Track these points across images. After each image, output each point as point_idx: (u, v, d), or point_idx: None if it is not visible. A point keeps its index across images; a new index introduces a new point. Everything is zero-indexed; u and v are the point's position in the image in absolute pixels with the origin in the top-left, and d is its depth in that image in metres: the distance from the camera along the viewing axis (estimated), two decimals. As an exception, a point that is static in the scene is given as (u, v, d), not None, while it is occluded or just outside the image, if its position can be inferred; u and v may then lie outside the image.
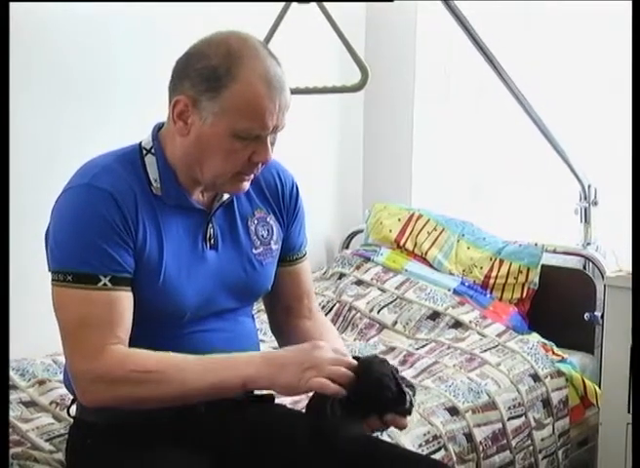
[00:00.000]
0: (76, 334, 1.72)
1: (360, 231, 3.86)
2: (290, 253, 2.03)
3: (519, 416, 2.76)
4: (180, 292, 1.80)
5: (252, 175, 1.83)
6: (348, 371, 1.65)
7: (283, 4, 2.79)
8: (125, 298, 1.74)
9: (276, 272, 2.00)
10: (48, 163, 2.87)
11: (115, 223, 1.72)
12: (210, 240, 1.86)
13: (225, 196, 1.89)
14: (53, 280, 1.75)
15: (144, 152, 1.83)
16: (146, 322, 1.79)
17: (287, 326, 2.07)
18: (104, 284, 1.71)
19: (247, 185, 1.84)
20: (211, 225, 1.87)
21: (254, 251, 1.92)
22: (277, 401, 2.04)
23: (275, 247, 1.97)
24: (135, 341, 1.77)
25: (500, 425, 2.68)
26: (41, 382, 2.56)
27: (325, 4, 2.70)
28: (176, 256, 1.80)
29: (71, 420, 2.00)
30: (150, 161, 1.82)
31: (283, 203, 1.99)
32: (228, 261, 1.89)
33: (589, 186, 3.33)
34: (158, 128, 1.87)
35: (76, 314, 1.72)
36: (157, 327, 1.81)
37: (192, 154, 1.78)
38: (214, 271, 1.86)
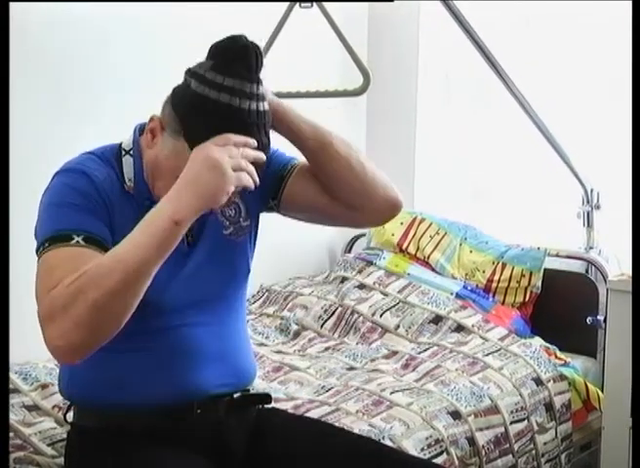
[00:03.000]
0: (40, 288, 1.66)
1: (362, 235, 3.86)
2: (283, 169, 2.00)
3: (522, 420, 2.76)
4: (155, 284, 1.78)
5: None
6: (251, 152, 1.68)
7: (285, 8, 2.79)
8: (96, 256, 1.67)
9: (287, 190, 1.99)
10: (40, 167, 2.88)
11: (92, 197, 1.73)
12: (187, 237, 1.86)
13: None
14: (37, 258, 1.71)
15: (123, 153, 1.86)
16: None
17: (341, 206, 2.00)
18: (77, 241, 1.68)
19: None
20: None
21: (224, 231, 1.93)
22: (278, 405, 2.04)
23: (245, 223, 1.97)
24: (117, 336, 1.77)
25: (502, 429, 2.68)
26: (44, 386, 2.57)
27: (327, 8, 2.70)
28: None
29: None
30: (127, 162, 1.84)
31: None
32: (204, 250, 1.89)
33: (592, 190, 3.33)
34: (140, 130, 1.88)
35: (45, 269, 1.67)
36: (140, 320, 1.78)
37: (149, 168, 1.82)
38: (189, 259, 1.86)
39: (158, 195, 1.74)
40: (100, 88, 3.07)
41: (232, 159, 1.64)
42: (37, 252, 1.72)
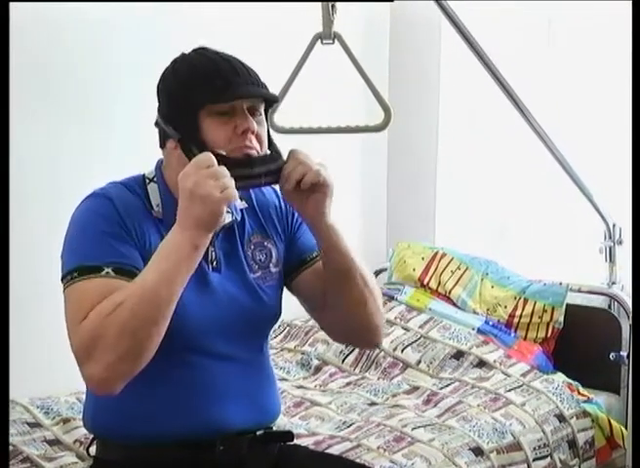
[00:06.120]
0: (71, 319, 1.69)
1: (384, 270, 3.85)
2: (308, 254, 2.00)
3: (544, 457, 2.74)
4: (182, 309, 1.77)
5: (252, 145, 1.81)
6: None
7: (307, 44, 2.81)
8: (125, 286, 1.69)
9: (300, 278, 1.99)
10: (50, 184, 2.92)
11: (117, 222, 1.75)
12: (212, 262, 1.87)
13: (227, 220, 1.87)
14: (63, 286, 1.73)
15: (147, 181, 1.88)
16: None
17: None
18: (107, 272, 1.70)
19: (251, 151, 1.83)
20: (212, 248, 1.87)
21: (252, 275, 1.92)
22: (299, 441, 2.03)
23: (275, 270, 1.96)
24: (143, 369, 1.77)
25: (524, 466, 2.66)
26: (65, 421, 2.57)
27: (348, 43, 2.71)
28: None
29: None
30: (153, 188, 1.87)
31: (278, 219, 2.00)
32: (231, 283, 1.88)
33: (614, 225, 3.32)
34: (161, 162, 1.91)
35: (75, 300, 1.70)
36: (166, 351, 1.76)
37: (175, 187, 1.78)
38: (217, 291, 1.86)
39: None
40: (102, 90, 3.10)
41: (217, 181, 1.65)
42: (63, 280, 1.73)
